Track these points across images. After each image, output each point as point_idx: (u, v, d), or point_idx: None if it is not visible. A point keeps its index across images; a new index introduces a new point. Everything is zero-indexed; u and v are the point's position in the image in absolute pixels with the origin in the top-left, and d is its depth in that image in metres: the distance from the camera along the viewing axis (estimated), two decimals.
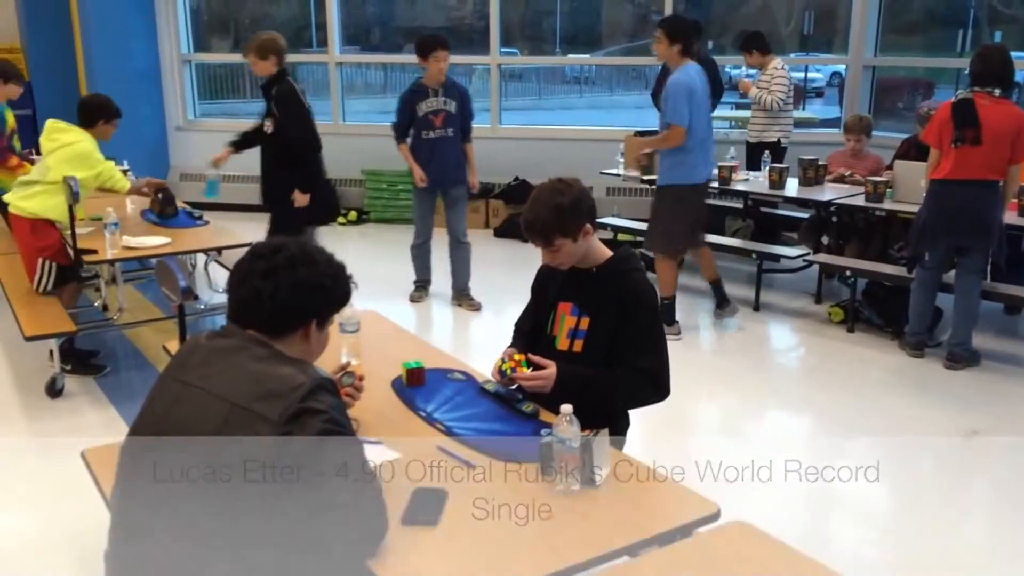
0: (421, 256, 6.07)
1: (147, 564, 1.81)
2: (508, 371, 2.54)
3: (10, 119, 6.20)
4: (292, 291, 1.91)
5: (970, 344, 4.93)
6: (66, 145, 4.70)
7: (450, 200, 5.90)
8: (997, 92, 4.58)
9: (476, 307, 5.93)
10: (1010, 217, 5.00)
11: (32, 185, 4.74)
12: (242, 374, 1.84)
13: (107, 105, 4.91)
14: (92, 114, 4.88)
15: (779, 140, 6.82)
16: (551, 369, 2.50)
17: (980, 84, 4.61)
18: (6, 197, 4.86)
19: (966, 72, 4.78)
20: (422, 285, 6.14)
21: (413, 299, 6.09)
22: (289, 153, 5.21)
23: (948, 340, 4.98)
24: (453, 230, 5.94)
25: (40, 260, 4.74)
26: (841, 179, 6.21)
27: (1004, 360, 5.08)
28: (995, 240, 4.76)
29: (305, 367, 1.88)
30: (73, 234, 4.45)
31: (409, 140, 5.76)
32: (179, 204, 5.40)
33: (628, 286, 2.57)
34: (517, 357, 2.56)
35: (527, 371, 2.53)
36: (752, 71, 7.03)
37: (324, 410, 1.80)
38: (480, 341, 5.38)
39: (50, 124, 4.87)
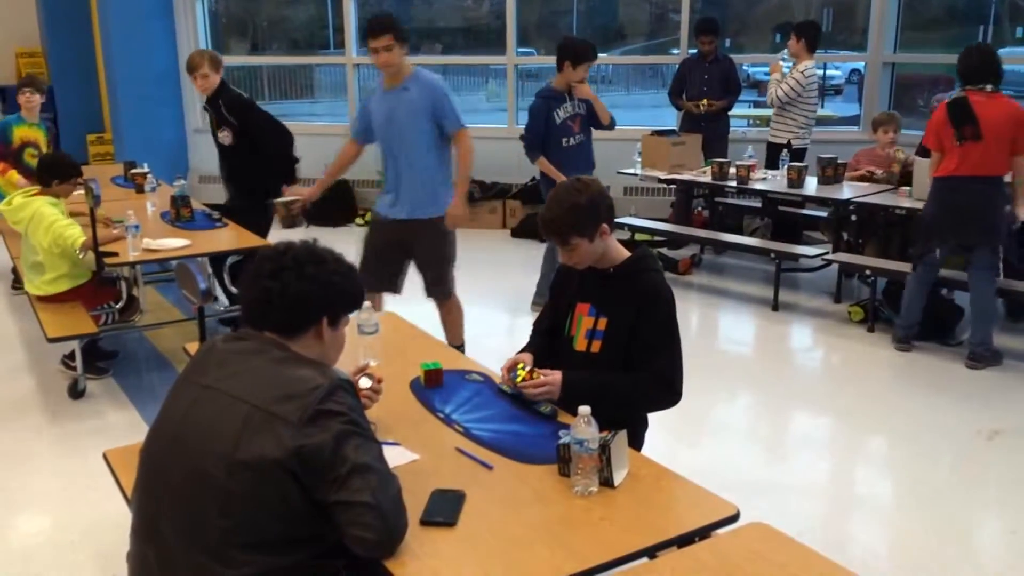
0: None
1: (168, 565, 1.82)
2: (518, 380, 2.55)
3: (21, 132, 6.24)
4: (300, 289, 1.92)
5: (991, 343, 4.90)
6: (29, 219, 4.62)
7: None
8: (989, 88, 4.63)
9: None
10: None
11: (39, 270, 4.71)
12: (261, 376, 1.85)
13: (61, 165, 4.76)
14: (46, 175, 4.73)
15: (789, 141, 6.75)
16: (555, 376, 2.51)
17: (971, 82, 4.67)
18: (33, 290, 4.77)
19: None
20: None
21: None
22: (262, 156, 5.24)
23: (968, 340, 4.95)
24: None
25: (100, 307, 4.80)
26: (869, 178, 6.15)
27: None
28: (1001, 236, 4.77)
29: (323, 368, 1.89)
30: (94, 237, 4.48)
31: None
32: (196, 206, 5.42)
33: (645, 286, 2.57)
34: (534, 372, 2.55)
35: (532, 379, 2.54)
36: (786, 62, 6.84)
37: (343, 411, 1.81)
38: (498, 342, 5.37)
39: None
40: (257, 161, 5.25)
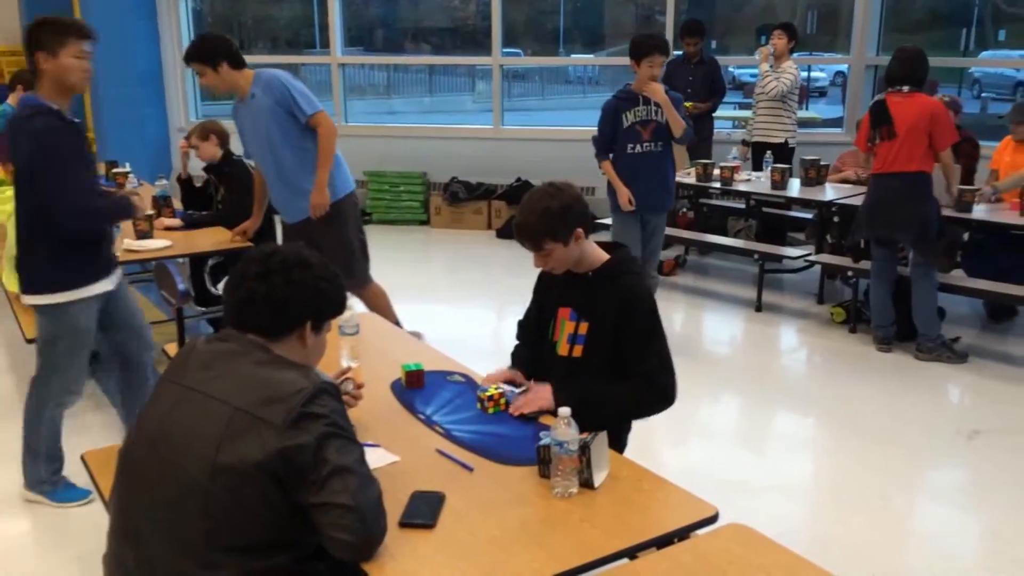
0: None
1: (147, 568, 1.81)
2: (492, 411, 2.53)
3: None
4: (286, 292, 1.91)
5: (935, 336, 5.00)
6: (11, 212, 4.58)
7: (649, 229, 5.04)
8: (906, 89, 4.83)
9: None
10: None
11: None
12: (244, 378, 1.84)
13: None
14: None
15: (786, 141, 6.80)
16: (544, 389, 2.50)
17: (891, 85, 4.91)
18: (11, 286, 4.72)
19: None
20: None
21: None
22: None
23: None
24: (644, 263, 4.93)
25: None
26: (854, 179, 6.19)
27: (1005, 360, 5.07)
28: (921, 232, 4.86)
29: (307, 371, 1.89)
30: None
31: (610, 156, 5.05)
32: (177, 206, 5.40)
33: (623, 289, 2.55)
34: (495, 393, 2.55)
35: (519, 395, 2.55)
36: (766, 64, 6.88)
37: (326, 414, 1.80)
38: (481, 343, 5.37)
39: None
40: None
